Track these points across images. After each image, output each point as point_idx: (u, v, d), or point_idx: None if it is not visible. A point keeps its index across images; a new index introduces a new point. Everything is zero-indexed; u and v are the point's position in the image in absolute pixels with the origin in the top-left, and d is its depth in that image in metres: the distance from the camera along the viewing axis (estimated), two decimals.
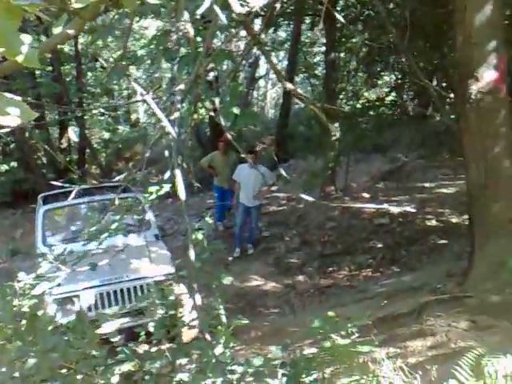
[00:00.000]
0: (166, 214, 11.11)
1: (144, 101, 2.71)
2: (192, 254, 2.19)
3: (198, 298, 2.03)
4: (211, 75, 15.24)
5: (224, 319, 3.44)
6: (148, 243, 5.90)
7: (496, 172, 5.06)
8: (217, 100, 4.12)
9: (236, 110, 6.10)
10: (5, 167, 13.68)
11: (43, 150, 13.97)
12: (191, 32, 3.39)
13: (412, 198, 10.17)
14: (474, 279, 5.12)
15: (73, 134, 17.02)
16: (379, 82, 11.38)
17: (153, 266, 5.56)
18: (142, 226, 6.16)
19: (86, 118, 15.65)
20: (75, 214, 6.89)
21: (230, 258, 8.66)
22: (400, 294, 6.02)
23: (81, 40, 15.51)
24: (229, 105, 6.07)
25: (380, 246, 8.57)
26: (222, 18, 2.04)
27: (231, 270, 8.35)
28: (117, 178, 3.25)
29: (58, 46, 15.68)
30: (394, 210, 9.59)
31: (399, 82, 10.09)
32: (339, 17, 6.43)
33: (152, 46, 5.56)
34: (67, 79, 15.80)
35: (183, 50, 5.83)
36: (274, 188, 12.21)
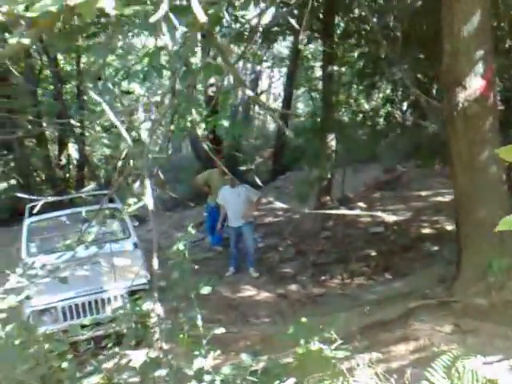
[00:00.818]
0: (163, 227, 11.12)
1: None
2: (155, 262, 2.18)
3: (159, 307, 2.01)
4: (211, 90, 15.39)
5: (201, 329, 3.41)
6: (125, 252, 5.94)
7: (482, 178, 5.05)
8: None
9: (226, 123, 6.13)
10: (4, 185, 13.76)
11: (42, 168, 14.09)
12: (170, 46, 3.41)
13: (408, 207, 10.14)
14: (461, 283, 5.10)
15: (73, 150, 17.14)
16: (375, 94, 11.41)
17: (129, 275, 5.58)
18: (121, 234, 6.26)
19: (86, 134, 15.77)
20: (60, 225, 6.97)
21: (227, 274, 8.61)
22: (390, 300, 5.98)
23: (84, 59, 15.70)
24: (219, 117, 6.11)
25: (374, 254, 8.52)
26: (177, 24, 2.04)
27: (224, 281, 8.36)
28: (86, 189, 3.27)
29: (61, 65, 15.90)
30: (389, 218, 9.56)
31: (393, 93, 10.12)
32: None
33: (145, 62, 5.62)
34: (68, 98, 15.95)
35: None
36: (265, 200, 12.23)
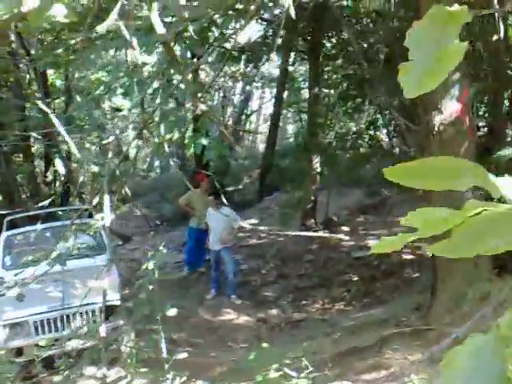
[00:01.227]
0: (146, 246, 11.04)
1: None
2: (106, 281, 2.15)
3: (103, 329, 1.98)
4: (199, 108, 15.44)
5: (164, 352, 3.37)
6: (99, 268, 5.91)
7: (457, 204, 5.05)
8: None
9: (204, 141, 6.12)
10: None
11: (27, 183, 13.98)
12: (139, 61, 3.43)
13: (391, 232, 10.14)
14: (436, 312, 5.08)
15: (61, 166, 17.03)
16: (360, 117, 11.52)
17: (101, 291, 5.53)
18: (96, 250, 6.32)
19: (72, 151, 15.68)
20: (37, 239, 6.88)
21: (208, 296, 8.54)
22: (366, 327, 5.95)
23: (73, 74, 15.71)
24: (197, 136, 6.10)
25: (356, 279, 8.50)
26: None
27: (204, 303, 8.30)
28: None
29: (50, 80, 15.90)
30: (372, 242, 9.55)
31: (378, 116, 10.22)
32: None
33: (125, 78, 5.64)
34: (56, 113, 15.90)
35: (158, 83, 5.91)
36: (254, 221, 12.21)
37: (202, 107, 2.04)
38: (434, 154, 5.05)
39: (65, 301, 5.57)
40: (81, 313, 5.66)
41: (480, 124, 8.52)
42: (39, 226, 6.57)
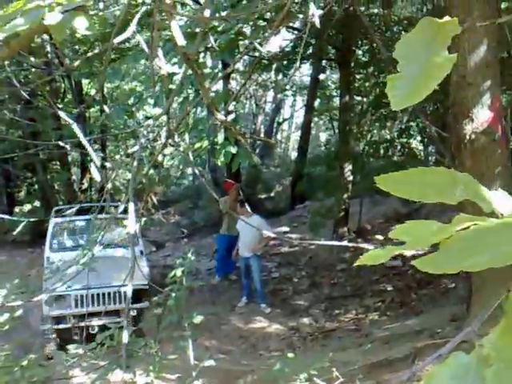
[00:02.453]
0: (178, 253, 11.13)
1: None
2: (130, 288, 2.17)
3: (126, 336, 2.00)
4: (230, 117, 15.55)
5: (192, 359, 3.37)
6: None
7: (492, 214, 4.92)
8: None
9: (233, 150, 6.14)
10: (28, 207, 14.00)
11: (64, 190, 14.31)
12: (164, 70, 3.47)
13: None
14: (471, 323, 4.94)
15: (96, 174, 17.33)
16: (393, 125, 11.39)
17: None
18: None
19: (108, 158, 16.00)
20: (80, 228, 8.30)
21: (239, 304, 8.56)
22: (401, 338, 5.83)
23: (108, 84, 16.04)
24: (225, 145, 6.13)
25: (390, 288, 8.36)
26: (181, 40, 2.07)
27: (236, 311, 8.31)
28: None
29: (84, 89, 16.28)
30: (407, 252, 9.38)
31: (407, 124, 10.08)
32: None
33: (157, 88, 5.73)
34: (92, 122, 16.26)
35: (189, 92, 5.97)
36: (285, 229, 12.17)
37: (220, 117, 2.04)
38: (466, 163, 4.92)
39: (101, 281, 6.48)
40: (114, 292, 6.67)
41: None
42: (84, 217, 7.80)
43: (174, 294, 3.56)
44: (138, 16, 1.82)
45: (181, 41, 1.99)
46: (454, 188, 0.58)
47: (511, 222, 0.61)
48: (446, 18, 0.50)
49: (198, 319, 3.51)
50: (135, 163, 2.57)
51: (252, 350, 7.17)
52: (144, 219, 6.62)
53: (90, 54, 7.16)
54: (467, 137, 4.83)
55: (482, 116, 4.78)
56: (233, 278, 9.61)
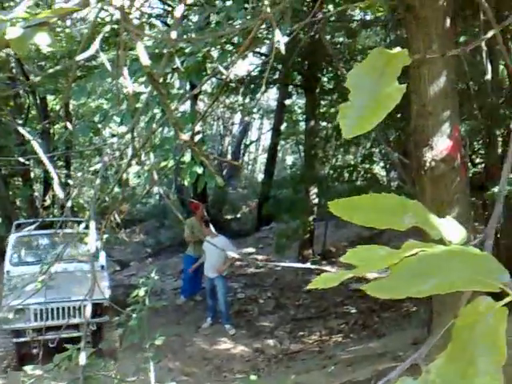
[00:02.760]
0: (143, 273, 10.96)
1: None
2: (88, 310, 2.12)
3: (83, 358, 1.95)
4: (197, 138, 15.55)
5: (153, 381, 3.31)
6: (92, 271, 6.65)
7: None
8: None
9: (199, 170, 6.12)
10: None
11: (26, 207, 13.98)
12: (130, 89, 3.45)
13: None
14: (432, 347, 5.00)
15: (60, 191, 16.97)
16: (356, 150, 11.62)
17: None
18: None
19: (72, 176, 15.76)
20: (41, 243, 8.41)
21: (204, 325, 8.44)
22: (363, 361, 5.86)
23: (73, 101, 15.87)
24: (191, 165, 6.10)
25: (354, 311, 8.42)
26: (145, 60, 2.05)
27: (200, 332, 8.19)
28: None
29: (49, 105, 16.06)
30: (370, 275, 9.49)
31: (370, 150, 10.32)
32: None
33: (124, 106, 5.69)
34: (56, 138, 16.00)
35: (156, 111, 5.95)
36: (251, 250, 12.16)
37: (184, 137, 2.04)
38: (426, 189, 5.04)
39: (61, 295, 6.62)
40: (74, 307, 6.73)
41: (477, 160, 8.53)
42: (45, 231, 7.86)
43: (135, 315, 3.50)
44: (101, 35, 1.82)
45: (145, 61, 1.99)
46: (403, 215, 0.60)
47: (457, 250, 0.62)
48: (397, 49, 0.52)
49: (159, 340, 3.45)
50: (98, 181, 2.54)
51: (216, 371, 7.08)
52: (106, 236, 6.59)
53: (51, 70, 7.13)
54: (427, 164, 4.94)
55: (441, 144, 4.91)
56: (198, 298, 9.51)
